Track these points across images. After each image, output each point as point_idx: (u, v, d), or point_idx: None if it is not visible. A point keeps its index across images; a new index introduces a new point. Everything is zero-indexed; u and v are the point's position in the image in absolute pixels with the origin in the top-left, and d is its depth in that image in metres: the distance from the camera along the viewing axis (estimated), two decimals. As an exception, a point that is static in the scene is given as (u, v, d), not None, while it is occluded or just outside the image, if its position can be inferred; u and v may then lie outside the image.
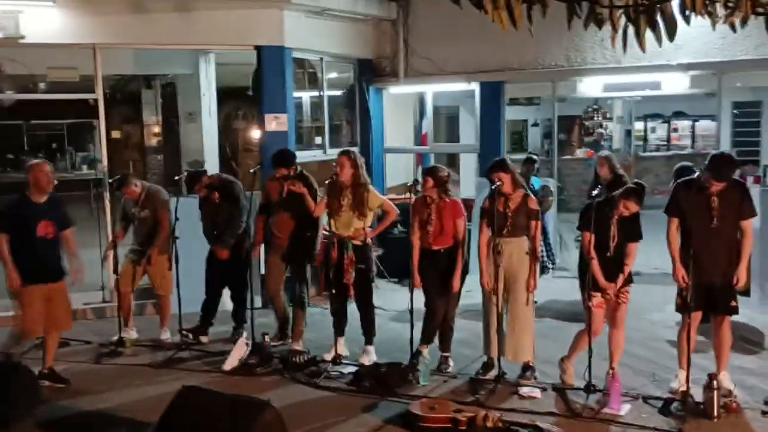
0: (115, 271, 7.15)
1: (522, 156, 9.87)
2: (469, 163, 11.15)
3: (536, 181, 8.95)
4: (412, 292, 5.99)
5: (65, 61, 8.44)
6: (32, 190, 5.82)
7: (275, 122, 8.67)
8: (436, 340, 6.24)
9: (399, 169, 11.06)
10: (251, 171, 6.79)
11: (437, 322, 6.16)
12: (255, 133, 10.87)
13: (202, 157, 9.72)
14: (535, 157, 9.46)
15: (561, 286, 8.51)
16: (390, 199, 6.74)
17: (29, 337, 6.07)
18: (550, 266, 9.20)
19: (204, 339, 7.07)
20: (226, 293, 7.37)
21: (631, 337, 5.98)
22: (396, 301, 7.98)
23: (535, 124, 17.74)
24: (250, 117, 12.88)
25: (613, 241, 5.41)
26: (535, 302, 5.97)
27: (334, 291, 6.43)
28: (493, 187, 5.71)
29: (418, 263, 6.10)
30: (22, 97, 9.74)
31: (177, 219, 6.66)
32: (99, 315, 8.12)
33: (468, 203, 9.08)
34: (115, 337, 6.97)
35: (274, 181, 6.79)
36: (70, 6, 7.74)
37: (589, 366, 5.34)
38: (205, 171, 7.44)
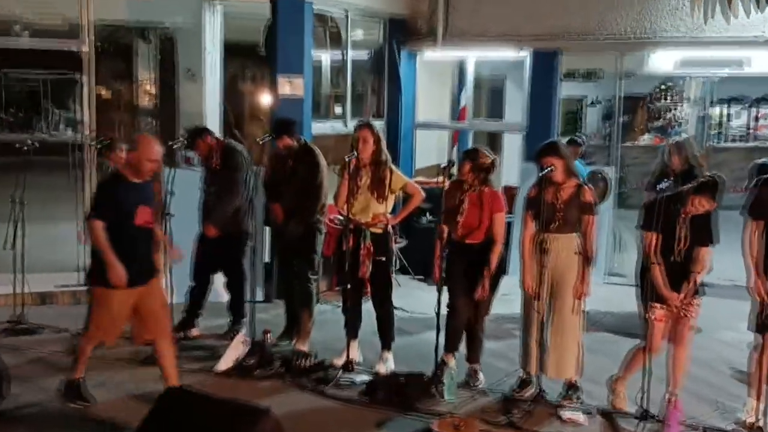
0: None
1: (574, 139, 9.79)
2: (513, 144, 11.11)
3: (580, 167, 8.89)
4: (440, 292, 5.98)
5: (49, 4, 8.51)
6: (130, 169, 5.45)
7: (289, 86, 8.70)
8: (464, 349, 6.26)
9: (431, 148, 11.06)
10: (259, 141, 6.81)
11: (460, 325, 6.17)
12: (265, 98, 10.89)
13: (202, 122, 9.76)
14: (580, 139, 9.39)
15: (614, 293, 8.47)
16: (417, 183, 6.73)
17: (93, 343, 5.66)
18: None
19: (194, 332, 7.14)
20: (220, 280, 7.41)
21: (695, 357, 5.95)
22: (420, 301, 7.99)
23: (594, 104, 17.60)
24: (259, 79, 12.91)
25: (680, 244, 5.36)
26: (586, 312, 5.94)
27: (348, 286, 6.46)
28: (542, 173, 5.69)
29: (447, 257, 6.11)
30: (-3, 44, 9.83)
31: (172, 193, 6.71)
32: (75, 299, 8.20)
33: (510, 191, 9.08)
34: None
35: (278, 156, 6.81)
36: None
37: (645, 389, 5.32)
38: (209, 129, 7.47)
